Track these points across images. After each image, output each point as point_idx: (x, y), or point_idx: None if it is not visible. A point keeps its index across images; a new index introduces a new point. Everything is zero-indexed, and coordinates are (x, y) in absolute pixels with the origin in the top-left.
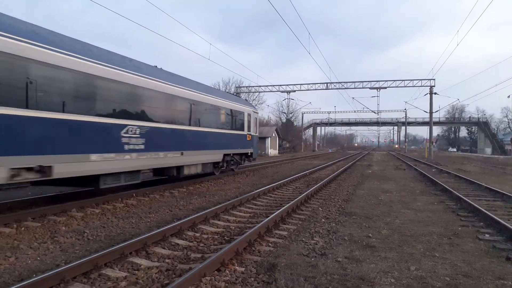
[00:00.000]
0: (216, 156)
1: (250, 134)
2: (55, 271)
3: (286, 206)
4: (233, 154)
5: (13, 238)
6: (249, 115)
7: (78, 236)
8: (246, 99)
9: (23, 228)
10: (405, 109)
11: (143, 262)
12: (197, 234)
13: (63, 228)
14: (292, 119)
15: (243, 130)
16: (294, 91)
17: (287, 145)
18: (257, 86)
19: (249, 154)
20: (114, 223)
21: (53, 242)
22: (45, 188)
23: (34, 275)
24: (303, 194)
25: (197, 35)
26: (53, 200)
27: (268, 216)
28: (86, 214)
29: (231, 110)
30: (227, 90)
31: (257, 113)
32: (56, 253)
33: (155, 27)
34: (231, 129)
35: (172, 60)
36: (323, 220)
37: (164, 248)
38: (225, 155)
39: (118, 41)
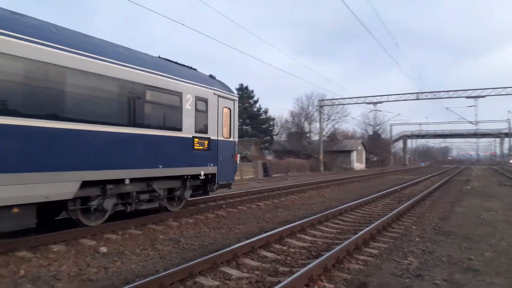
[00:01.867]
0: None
1: (208, 139)
2: (155, 276)
3: (376, 223)
4: (149, 178)
5: (119, 244)
6: (214, 102)
7: (174, 245)
8: (212, 76)
9: (127, 235)
10: (508, 119)
11: (234, 272)
12: (284, 248)
13: (161, 236)
14: (379, 132)
15: (202, 130)
16: (381, 102)
17: (375, 159)
18: (341, 99)
19: (203, 177)
20: (206, 233)
21: (153, 249)
22: None
23: (137, 279)
24: (395, 211)
25: (277, 49)
26: (152, 210)
27: (357, 233)
28: (181, 223)
29: (146, 85)
30: (309, 104)
31: (233, 99)
32: (155, 260)
33: (238, 44)
34: (148, 127)
35: (253, 75)
36: (417, 239)
37: (253, 260)
38: (106, 183)
39: (203, 58)
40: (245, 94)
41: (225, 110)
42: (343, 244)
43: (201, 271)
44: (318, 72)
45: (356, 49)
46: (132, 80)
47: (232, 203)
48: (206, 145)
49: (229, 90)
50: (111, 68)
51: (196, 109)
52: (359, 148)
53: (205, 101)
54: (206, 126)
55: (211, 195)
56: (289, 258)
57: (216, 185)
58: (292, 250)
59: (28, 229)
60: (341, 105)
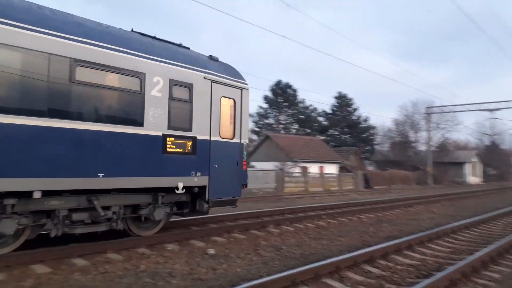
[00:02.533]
0: None
1: (192, 139)
2: (260, 281)
3: (497, 244)
4: (88, 192)
5: (224, 247)
6: (205, 89)
7: (276, 251)
8: (213, 57)
9: (232, 239)
10: None
11: (337, 285)
12: (390, 264)
13: (263, 242)
14: (497, 142)
15: (182, 127)
16: (499, 109)
17: (492, 172)
18: (451, 106)
19: (183, 190)
20: (307, 243)
21: (256, 255)
22: (246, 205)
23: (242, 283)
24: None
25: (377, 55)
26: (252, 215)
27: (474, 254)
28: (282, 231)
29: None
30: (414, 112)
31: (241, 87)
32: (259, 265)
33: (336, 52)
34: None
35: (352, 83)
36: None
37: (356, 274)
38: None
39: (301, 69)
40: (343, 102)
41: (226, 101)
42: (458, 265)
43: (303, 281)
44: (424, 77)
45: (468, 51)
46: (47, 51)
47: (332, 214)
48: (188, 148)
49: (235, 75)
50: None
51: (171, 97)
52: (473, 160)
53: (189, 87)
54: (189, 122)
55: (292, 204)
56: (395, 275)
57: (208, 203)
58: (399, 267)
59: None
60: (452, 113)
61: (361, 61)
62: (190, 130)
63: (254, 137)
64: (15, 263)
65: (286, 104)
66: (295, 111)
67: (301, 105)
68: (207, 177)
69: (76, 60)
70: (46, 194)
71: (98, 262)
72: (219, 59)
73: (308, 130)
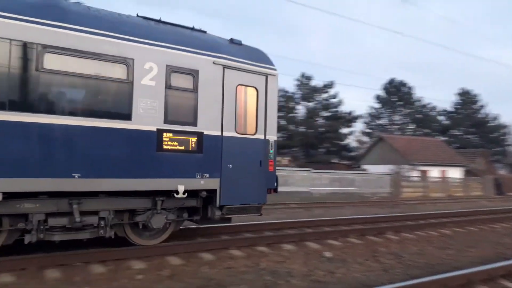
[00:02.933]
0: None
1: (198, 134)
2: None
3: None
4: (67, 194)
5: (341, 251)
6: (215, 76)
7: (396, 259)
8: (235, 40)
9: (348, 244)
10: None
11: None
12: None
13: (382, 249)
14: None
15: (184, 121)
16: None
17: None
18: None
19: (185, 195)
20: (430, 251)
21: (375, 261)
22: (360, 210)
23: None
24: None
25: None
26: (368, 221)
27: None
28: (401, 238)
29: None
30: None
31: (266, 73)
32: (378, 272)
33: (458, 45)
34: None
35: (479, 77)
36: None
37: None
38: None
39: (421, 67)
40: (468, 99)
41: (243, 89)
42: None
43: None
44: None
45: None
46: (7, 36)
47: (458, 222)
48: (192, 145)
49: (260, 59)
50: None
51: (169, 86)
52: None
53: (193, 74)
54: (194, 114)
55: (411, 210)
56: None
57: (220, 209)
58: None
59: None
60: None
61: (488, 54)
62: (194, 124)
63: (366, 139)
64: (154, 254)
65: (400, 103)
66: (411, 110)
67: (417, 103)
68: (218, 179)
69: (45, 46)
70: (19, 196)
71: (222, 257)
72: (260, 49)
73: (426, 131)
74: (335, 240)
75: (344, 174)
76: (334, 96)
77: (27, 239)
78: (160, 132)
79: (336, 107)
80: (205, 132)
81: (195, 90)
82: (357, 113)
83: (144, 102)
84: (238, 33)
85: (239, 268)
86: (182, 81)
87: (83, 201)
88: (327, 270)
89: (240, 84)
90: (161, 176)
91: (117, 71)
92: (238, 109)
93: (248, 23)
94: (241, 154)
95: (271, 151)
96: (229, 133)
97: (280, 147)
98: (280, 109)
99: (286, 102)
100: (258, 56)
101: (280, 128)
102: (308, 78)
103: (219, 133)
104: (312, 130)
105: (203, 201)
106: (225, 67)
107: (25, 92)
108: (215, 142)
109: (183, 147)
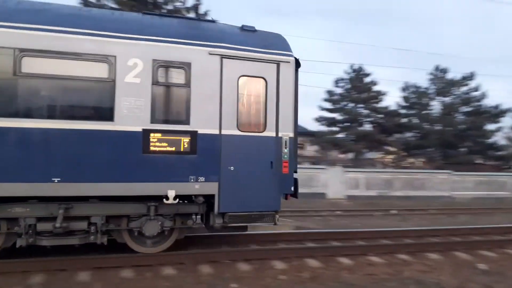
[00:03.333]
0: None
1: (191, 134)
2: None
3: None
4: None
5: (497, 263)
6: (211, 68)
7: None
8: (247, 27)
9: (505, 255)
10: None
11: None
12: None
13: None
14: None
15: (175, 119)
16: None
17: None
18: None
19: (176, 200)
20: None
21: None
22: None
23: None
24: None
25: None
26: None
27: None
28: None
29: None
30: None
31: (277, 61)
32: None
33: None
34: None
35: None
36: None
37: None
38: None
39: None
40: None
41: (248, 80)
42: None
43: None
44: None
45: None
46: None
47: None
48: (185, 145)
49: (273, 44)
50: None
51: (156, 83)
52: None
53: (184, 67)
54: (186, 112)
55: None
56: None
57: (222, 217)
58: None
59: None
60: None
61: None
62: (187, 122)
63: None
64: (293, 256)
65: None
66: None
67: None
68: (217, 183)
69: (22, 50)
70: (10, 200)
71: (361, 263)
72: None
73: None
74: (489, 251)
75: (493, 176)
76: (475, 89)
77: (18, 243)
78: (146, 132)
79: (478, 101)
80: (200, 131)
81: (187, 85)
82: (505, 106)
83: (128, 101)
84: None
85: (381, 275)
86: (172, 75)
87: (73, 205)
88: (482, 283)
89: (243, 75)
90: (148, 180)
91: (98, 70)
92: (240, 104)
93: (376, 17)
94: (245, 155)
95: (286, 150)
96: (229, 131)
97: (413, 148)
98: (411, 105)
99: (418, 99)
100: (271, 42)
101: (411, 127)
102: (444, 71)
103: (217, 132)
104: (451, 128)
105: (208, 207)
106: (223, 57)
107: (1, 96)
108: (212, 141)
109: (173, 148)
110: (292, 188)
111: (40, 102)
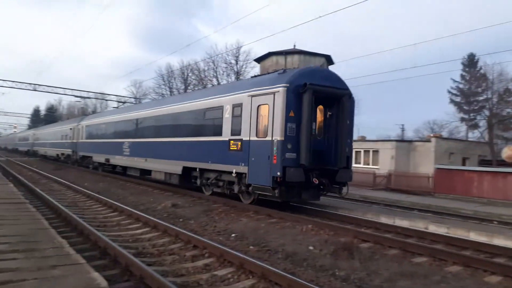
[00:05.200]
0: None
1: (241, 140)
2: None
3: None
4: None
5: None
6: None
7: None
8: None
9: None
10: None
11: None
12: None
13: None
14: None
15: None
16: None
17: None
18: None
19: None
20: None
21: None
22: None
23: None
24: None
25: None
26: None
27: None
28: None
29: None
30: None
31: (276, 92)
32: None
33: None
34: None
35: None
36: None
37: None
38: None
39: None
40: None
41: (261, 107)
42: None
43: None
44: None
45: None
46: (197, 108)
47: None
48: (239, 146)
49: (275, 81)
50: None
51: (232, 115)
52: None
53: (241, 105)
54: (239, 129)
55: None
56: None
57: (246, 187)
58: None
59: None
60: None
61: None
62: (239, 134)
63: None
64: None
65: None
66: None
67: None
68: (247, 167)
69: (206, 109)
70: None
71: None
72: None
73: None
74: None
75: None
76: None
77: (206, 189)
78: (229, 140)
79: None
80: (244, 139)
81: (241, 115)
82: None
83: (225, 126)
84: None
85: None
86: (237, 111)
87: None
88: None
89: (259, 104)
90: (230, 163)
91: (217, 113)
92: (257, 121)
93: None
94: (258, 151)
95: (275, 148)
96: (253, 138)
97: None
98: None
99: None
100: (274, 79)
101: None
102: None
103: (248, 139)
104: None
105: (238, 181)
106: (252, 96)
107: (201, 128)
108: (247, 144)
109: (235, 148)
110: (279, 173)
111: (202, 129)
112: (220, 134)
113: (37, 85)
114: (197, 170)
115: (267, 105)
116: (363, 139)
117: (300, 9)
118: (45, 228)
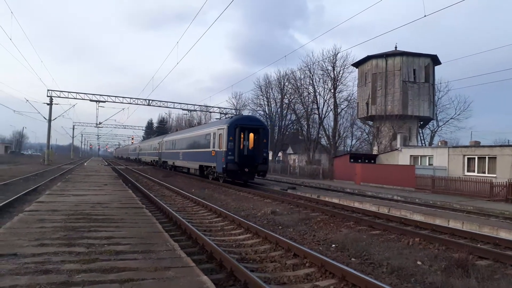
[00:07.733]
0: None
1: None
2: None
3: None
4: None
5: None
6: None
7: None
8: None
9: None
10: None
11: None
12: None
13: None
14: None
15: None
16: None
17: None
18: None
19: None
20: None
21: None
22: None
23: None
24: None
25: None
26: None
27: None
28: None
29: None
30: None
31: (222, 128)
32: None
33: None
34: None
35: None
36: None
37: None
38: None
39: None
40: None
41: (220, 133)
42: None
43: None
44: None
45: None
46: (206, 133)
47: None
48: (213, 153)
49: (227, 121)
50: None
51: (214, 137)
52: None
53: (216, 133)
54: (212, 144)
55: None
56: None
57: (215, 173)
58: None
59: None
60: None
61: None
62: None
63: None
64: None
65: None
66: None
67: None
68: (215, 163)
69: (208, 133)
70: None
71: None
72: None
73: None
74: None
75: None
76: None
77: (210, 176)
78: (211, 150)
79: None
80: (214, 149)
81: (214, 137)
82: None
83: (212, 143)
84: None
85: None
86: (213, 136)
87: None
88: None
89: (220, 133)
90: (211, 162)
91: (207, 135)
92: (219, 142)
93: None
94: (218, 157)
95: (223, 154)
96: (216, 149)
97: None
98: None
99: None
100: (224, 122)
101: None
102: None
103: (213, 149)
104: None
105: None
106: (218, 128)
107: (193, 144)
108: (215, 152)
109: (213, 154)
110: (224, 166)
111: (201, 144)
112: (209, 147)
113: (151, 100)
114: (204, 166)
115: (221, 134)
116: (477, 145)
117: (403, 9)
118: (159, 232)
